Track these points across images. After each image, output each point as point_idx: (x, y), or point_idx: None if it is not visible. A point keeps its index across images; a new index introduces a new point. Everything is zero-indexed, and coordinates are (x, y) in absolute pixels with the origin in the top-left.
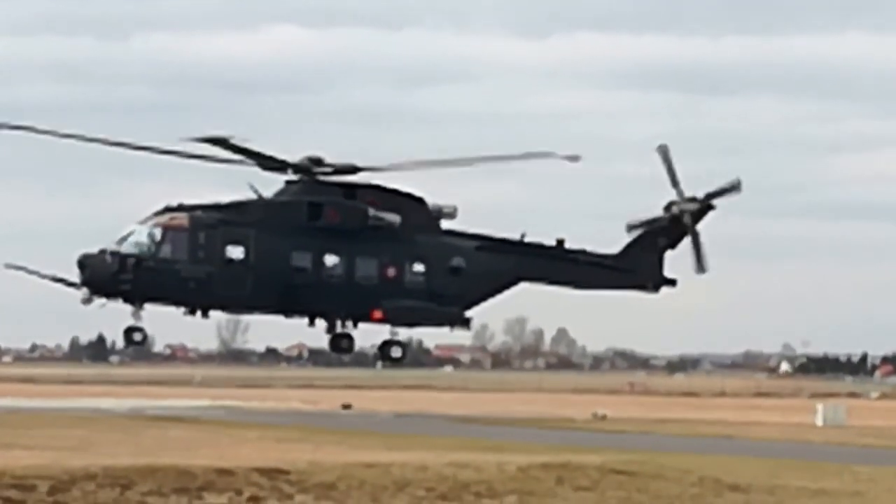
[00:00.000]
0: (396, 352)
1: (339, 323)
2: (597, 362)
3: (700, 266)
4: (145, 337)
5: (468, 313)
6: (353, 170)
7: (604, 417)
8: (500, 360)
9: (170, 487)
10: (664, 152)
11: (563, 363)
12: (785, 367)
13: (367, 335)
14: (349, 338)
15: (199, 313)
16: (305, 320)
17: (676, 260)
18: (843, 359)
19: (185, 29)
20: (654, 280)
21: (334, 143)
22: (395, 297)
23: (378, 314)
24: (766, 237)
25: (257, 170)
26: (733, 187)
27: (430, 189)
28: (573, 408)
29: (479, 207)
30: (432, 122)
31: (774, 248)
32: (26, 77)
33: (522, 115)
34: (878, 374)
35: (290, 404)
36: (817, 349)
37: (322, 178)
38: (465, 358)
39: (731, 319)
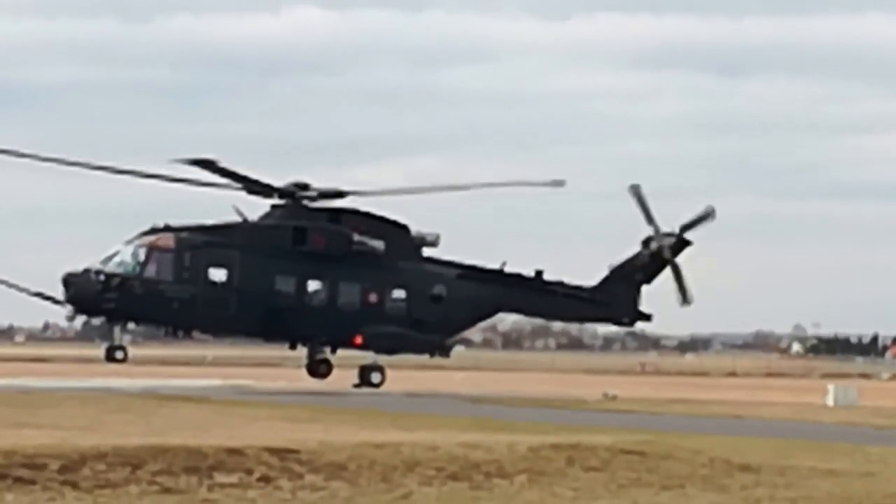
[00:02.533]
0: (376, 377)
1: (318, 349)
2: (607, 343)
3: (684, 298)
4: (126, 356)
5: (448, 341)
6: (340, 194)
7: (614, 398)
8: (511, 340)
9: (180, 467)
10: (636, 192)
11: (574, 343)
12: (796, 347)
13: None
14: (327, 363)
15: (181, 334)
16: None
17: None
18: (854, 340)
19: (207, 10)
20: (629, 314)
21: (355, 123)
22: (377, 323)
23: (359, 340)
24: (777, 217)
25: (242, 193)
26: (707, 215)
27: (448, 175)
28: (584, 388)
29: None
30: (452, 102)
31: (786, 229)
32: (48, 58)
33: (542, 96)
34: (889, 354)
35: (300, 384)
36: (828, 330)
37: (307, 202)
38: (476, 338)
39: (742, 300)
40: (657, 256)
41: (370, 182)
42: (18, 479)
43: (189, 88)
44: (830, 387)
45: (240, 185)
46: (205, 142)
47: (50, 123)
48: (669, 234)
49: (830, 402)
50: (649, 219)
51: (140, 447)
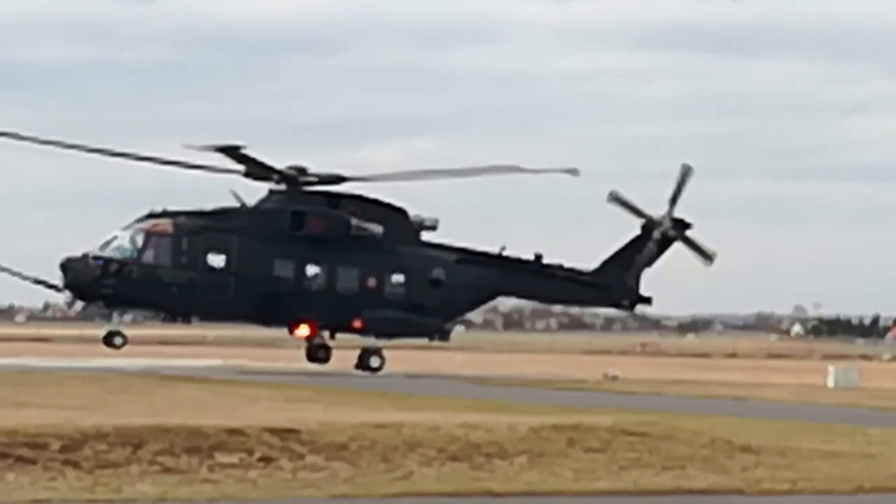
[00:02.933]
0: (375, 361)
1: (316, 340)
2: (608, 323)
3: (706, 256)
4: (125, 341)
5: (447, 325)
6: (338, 179)
7: (615, 378)
8: (512, 321)
9: (181, 447)
10: (615, 197)
11: (575, 324)
12: (797, 329)
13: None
14: (326, 348)
15: (179, 320)
16: None
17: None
18: (855, 321)
19: None
20: (629, 298)
21: (357, 104)
22: (375, 307)
23: (358, 324)
24: (779, 199)
25: (239, 178)
26: (685, 175)
27: (449, 156)
28: (584, 369)
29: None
30: (455, 83)
31: (788, 210)
32: (49, 37)
33: (544, 77)
34: (889, 336)
35: (301, 365)
36: (829, 311)
37: (306, 187)
38: (476, 319)
39: (743, 281)
40: (663, 240)
41: (371, 162)
42: (20, 459)
43: (190, 69)
44: (831, 368)
45: (251, 171)
46: (206, 122)
47: (51, 104)
48: (665, 218)
49: (831, 383)
50: (673, 199)
51: (141, 427)
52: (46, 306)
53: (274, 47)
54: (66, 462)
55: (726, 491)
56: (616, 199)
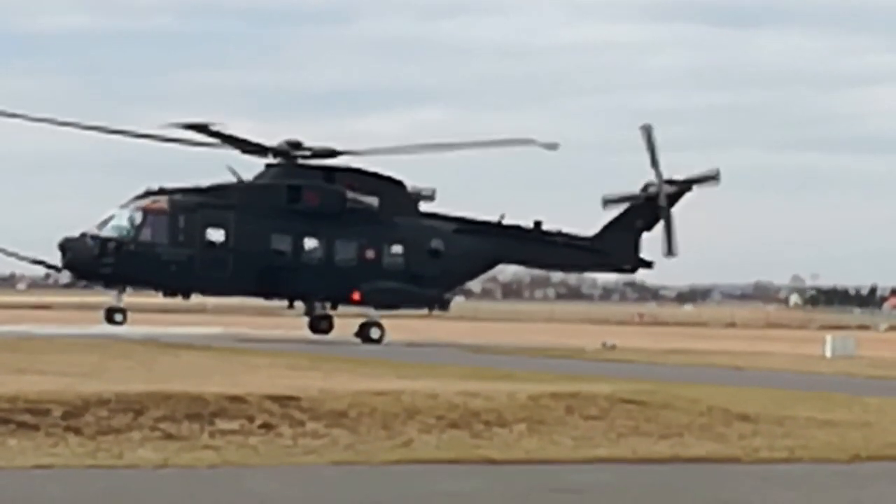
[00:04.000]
0: (375, 333)
1: (317, 305)
2: (606, 293)
3: (670, 249)
4: (125, 318)
5: (447, 295)
6: (332, 153)
7: (613, 347)
8: (511, 291)
9: (182, 413)
10: (647, 132)
11: (573, 294)
12: (795, 299)
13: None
14: (328, 319)
15: (179, 296)
16: None
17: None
18: (852, 291)
19: None
20: (630, 262)
21: (362, 74)
22: (374, 279)
23: (357, 296)
24: (778, 170)
25: (236, 153)
26: (712, 177)
27: (454, 126)
28: (583, 338)
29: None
30: (460, 54)
31: (785, 181)
32: (53, 7)
33: (550, 48)
34: (886, 306)
35: (301, 333)
36: (827, 281)
37: (301, 161)
38: (476, 288)
39: (742, 251)
40: (653, 201)
41: (376, 132)
42: (22, 425)
43: (195, 38)
44: (828, 338)
45: (233, 146)
46: (211, 92)
47: (58, 72)
48: (670, 182)
49: (828, 352)
50: (654, 161)
51: (142, 394)
52: (48, 274)
53: (279, 18)
54: (67, 428)
55: (724, 459)
56: (648, 134)
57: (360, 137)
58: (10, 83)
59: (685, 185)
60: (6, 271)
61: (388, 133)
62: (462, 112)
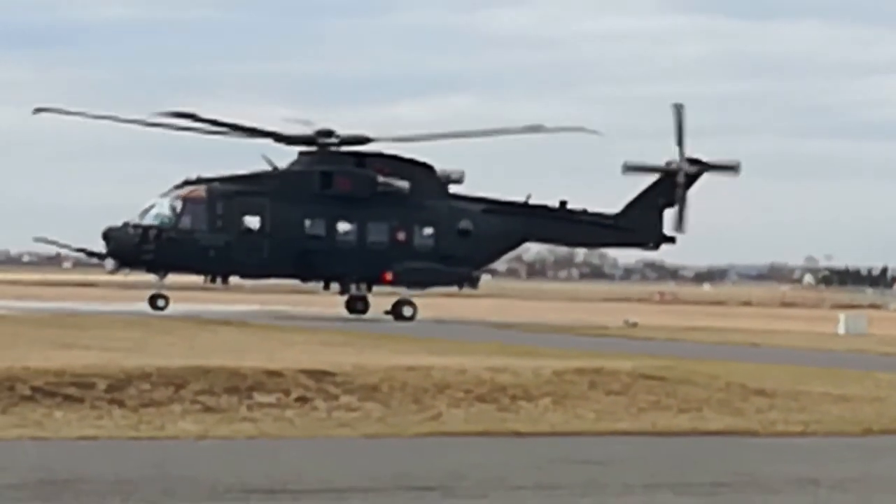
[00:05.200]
0: (408, 311)
1: (353, 287)
2: (627, 273)
3: (680, 226)
4: (168, 303)
5: (476, 273)
6: (364, 140)
7: (635, 325)
8: (536, 270)
9: (221, 387)
10: (679, 111)
11: (596, 273)
12: (809, 279)
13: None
14: (364, 300)
15: (218, 280)
16: None
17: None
18: (864, 272)
19: None
20: (653, 238)
21: (395, 63)
22: (406, 259)
23: (389, 276)
24: (793, 155)
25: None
26: (731, 167)
27: (484, 113)
28: (605, 316)
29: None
30: (489, 43)
31: (801, 166)
32: None
33: (576, 38)
34: None
35: (335, 311)
36: (840, 262)
37: (333, 148)
38: (501, 268)
39: (758, 233)
40: (672, 176)
41: (406, 119)
42: (68, 398)
43: (234, 29)
44: (841, 316)
45: (225, 131)
46: (248, 81)
47: (99, 63)
48: (691, 162)
49: (841, 330)
50: (679, 140)
51: (183, 368)
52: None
53: (315, 8)
54: (111, 401)
55: (741, 432)
56: (678, 113)
57: (392, 123)
58: (56, 73)
59: (704, 167)
60: (53, 251)
61: (419, 119)
62: (490, 99)
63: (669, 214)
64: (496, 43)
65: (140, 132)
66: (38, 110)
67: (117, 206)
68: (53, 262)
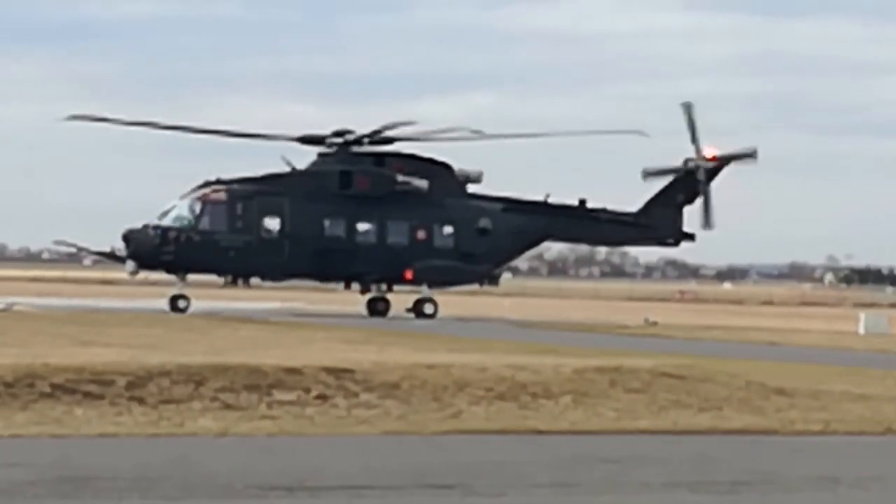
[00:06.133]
0: (429, 308)
1: (373, 287)
2: (648, 271)
3: (707, 222)
4: (189, 304)
5: (496, 271)
6: (383, 141)
7: (655, 323)
8: (557, 268)
9: (241, 384)
10: (688, 109)
11: (617, 272)
12: (829, 278)
13: None
14: (385, 301)
15: (239, 282)
16: None
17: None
18: (885, 270)
19: None
20: (673, 235)
21: (419, 60)
22: (426, 258)
23: (409, 275)
24: (814, 153)
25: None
26: (749, 155)
27: (518, 103)
28: (626, 314)
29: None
30: (510, 40)
31: (822, 165)
32: None
33: (600, 36)
34: None
35: (355, 308)
36: (860, 261)
37: (352, 148)
38: (522, 266)
39: (778, 232)
40: (692, 175)
41: (429, 116)
42: (88, 395)
43: (257, 25)
44: (862, 315)
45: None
46: (271, 77)
47: (128, 57)
48: (708, 158)
49: (862, 329)
50: (693, 137)
51: (203, 365)
52: (113, 251)
53: (340, 4)
54: (131, 398)
55: (761, 431)
56: (688, 111)
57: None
58: (78, 68)
59: (722, 160)
60: (73, 248)
61: (442, 117)
62: (513, 97)
63: (690, 212)
64: (519, 40)
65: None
66: (73, 117)
67: (140, 203)
68: (74, 258)
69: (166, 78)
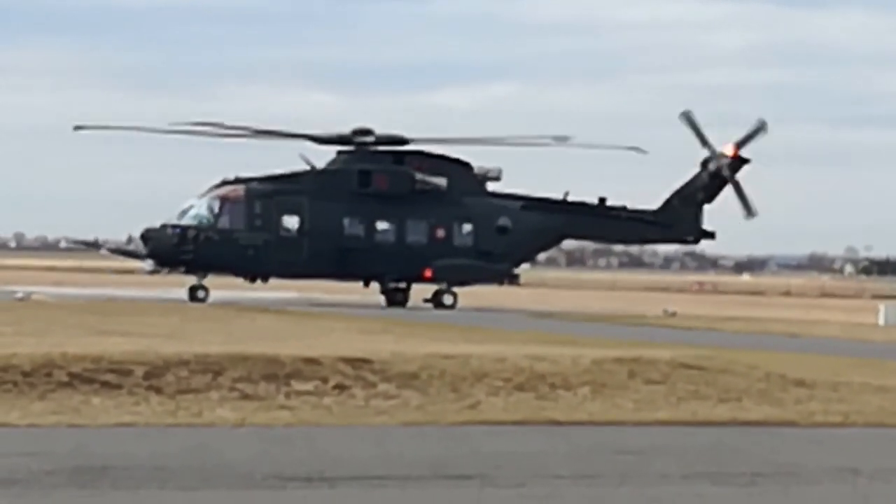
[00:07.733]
0: (448, 299)
1: (392, 284)
2: (667, 262)
3: (749, 211)
4: (207, 294)
5: (515, 269)
6: (401, 141)
7: (674, 314)
8: (575, 259)
9: (259, 374)
10: (688, 118)
11: (635, 262)
12: (849, 269)
13: None
14: (404, 292)
15: (258, 281)
16: None
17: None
18: None
19: None
20: (692, 234)
21: (438, 50)
22: (445, 256)
23: (429, 273)
24: (833, 144)
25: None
26: (759, 129)
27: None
28: (645, 305)
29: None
30: (529, 30)
31: (841, 156)
32: None
33: (619, 25)
34: None
35: (373, 298)
36: (880, 252)
37: (370, 147)
38: (541, 257)
39: (797, 223)
40: (716, 176)
41: (447, 106)
42: (105, 384)
43: (275, 15)
44: (881, 306)
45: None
46: (290, 67)
47: (140, 47)
48: (726, 154)
49: (881, 321)
50: (704, 142)
51: (221, 355)
52: (129, 240)
53: None
54: (149, 388)
55: (781, 422)
56: (688, 119)
57: (433, 111)
58: (97, 58)
59: (740, 148)
60: (89, 236)
61: (460, 107)
62: (531, 88)
63: (717, 208)
64: (538, 31)
65: (179, 125)
66: (78, 128)
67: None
68: (92, 248)
69: (181, 68)
